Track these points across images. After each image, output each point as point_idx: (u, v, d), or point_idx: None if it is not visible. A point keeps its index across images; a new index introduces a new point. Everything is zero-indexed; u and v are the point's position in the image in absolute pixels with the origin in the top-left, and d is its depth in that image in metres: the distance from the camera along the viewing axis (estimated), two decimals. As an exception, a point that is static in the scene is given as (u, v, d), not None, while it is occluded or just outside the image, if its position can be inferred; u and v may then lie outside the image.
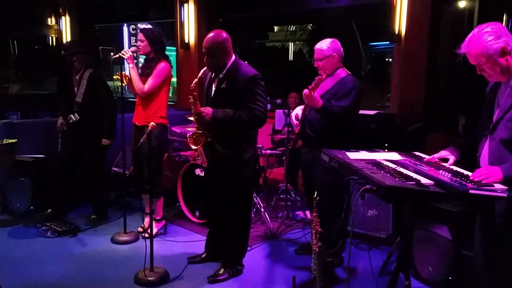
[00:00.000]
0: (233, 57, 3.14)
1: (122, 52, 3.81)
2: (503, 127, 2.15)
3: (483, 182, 1.99)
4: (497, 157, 2.17)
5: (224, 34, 3.09)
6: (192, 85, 3.11)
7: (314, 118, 3.33)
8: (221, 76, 3.14)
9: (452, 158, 2.44)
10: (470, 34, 2.16)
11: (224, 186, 3.24)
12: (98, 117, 4.29)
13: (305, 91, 3.12)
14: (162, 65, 3.88)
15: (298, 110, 3.54)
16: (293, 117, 3.56)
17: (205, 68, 3.17)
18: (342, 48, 3.37)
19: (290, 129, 4.42)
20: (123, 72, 3.86)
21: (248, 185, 3.34)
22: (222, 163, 3.21)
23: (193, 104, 3.09)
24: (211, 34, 3.08)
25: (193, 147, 3.14)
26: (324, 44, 3.32)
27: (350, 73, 3.36)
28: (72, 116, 4.24)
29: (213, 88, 3.21)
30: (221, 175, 3.24)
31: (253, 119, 3.05)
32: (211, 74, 3.23)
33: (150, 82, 3.85)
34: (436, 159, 2.45)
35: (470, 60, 2.18)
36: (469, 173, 2.15)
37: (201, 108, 3.08)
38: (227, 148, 3.18)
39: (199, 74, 3.20)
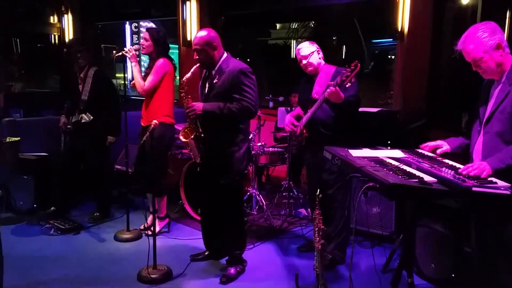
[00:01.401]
0: (225, 54, 3.22)
1: (125, 50, 3.81)
2: (496, 120, 2.22)
3: (470, 175, 2.05)
4: (491, 150, 2.22)
5: (213, 33, 3.19)
6: (183, 79, 3.17)
7: (325, 115, 3.33)
8: (213, 72, 3.20)
9: (445, 147, 2.51)
10: (465, 32, 2.25)
11: (217, 182, 3.22)
12: (102, 114, 4.29)
13: (331, 88, 3.05)
14: (160, 61, 3.87)
15: (290, 117, 3.60)
16: (288, 125, 3.57)
17: (197, 65, 3.21)
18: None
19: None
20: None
21: (239, 181, 3.32)
22: (214, 157, 3.22)
23: (185, 99, 3.13)
24: (200, 32, 3.18)
25: (183, 139, 3.20)
26: (303, 44, 3.55)
27: (334, 65, 3.50)
28: (84, 115, 4.20)
29: (207, 85, 3.25)
30: (215, 169, 3.24)
31: (243, 110, 3.08)
32: (205, 73, 3.28)
33: (149, 79, 3.85)
34: (431, 147, 2.55)
35: (465, 57, 2.27)
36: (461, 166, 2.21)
37: (192, 103, 3.13)
38: (220, 142, 3.19)
39: (192, 70, 3.23)
